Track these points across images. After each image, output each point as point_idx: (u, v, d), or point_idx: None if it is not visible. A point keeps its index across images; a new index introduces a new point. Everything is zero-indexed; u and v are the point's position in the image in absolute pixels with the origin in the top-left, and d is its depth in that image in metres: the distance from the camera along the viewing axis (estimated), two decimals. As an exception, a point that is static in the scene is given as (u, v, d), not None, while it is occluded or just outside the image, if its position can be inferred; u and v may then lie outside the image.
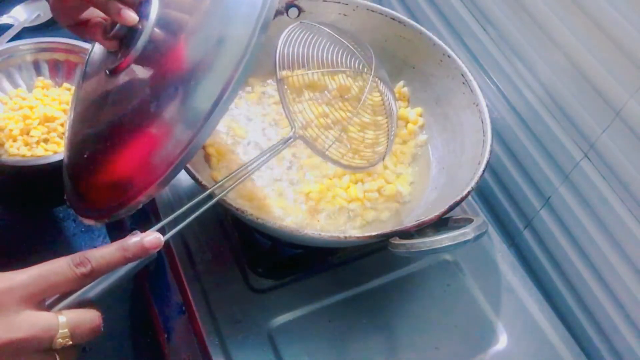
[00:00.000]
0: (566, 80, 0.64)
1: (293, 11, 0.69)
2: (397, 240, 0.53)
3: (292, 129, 0.57)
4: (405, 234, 0.54)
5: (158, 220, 0.47)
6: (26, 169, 0.72)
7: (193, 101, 0.48)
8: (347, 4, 0.71)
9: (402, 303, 0.62)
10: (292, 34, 0.59)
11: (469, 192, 0.57)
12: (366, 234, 0.54)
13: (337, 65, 0.59)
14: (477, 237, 0.51)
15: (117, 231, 0.76)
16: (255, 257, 0.63)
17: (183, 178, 0.64)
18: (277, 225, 0.53)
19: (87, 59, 0.62)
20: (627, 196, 0.59)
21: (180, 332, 0.64)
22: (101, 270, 0.43)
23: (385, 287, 0.63)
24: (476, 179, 0.58)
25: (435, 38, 0.69)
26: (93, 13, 0.57)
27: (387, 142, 0.61)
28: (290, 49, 0.58)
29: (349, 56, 0.60)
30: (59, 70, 0.83)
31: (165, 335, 0.68)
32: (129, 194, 0.49)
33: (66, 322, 0.41)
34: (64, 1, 0.55)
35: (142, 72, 0.53)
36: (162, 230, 0.46)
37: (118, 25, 0.54)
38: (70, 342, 0.41)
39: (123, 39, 0.55)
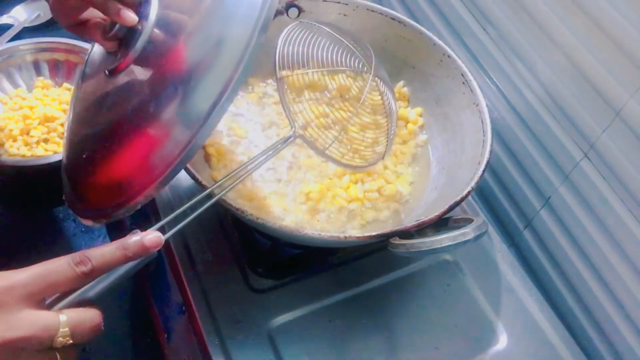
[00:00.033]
0: (566, 80, 0.64)
1: (293, 11, 0.69)
2: (397, 240, 0.53)
3: (292, 128, 0.57)
4: (405, 234, 0.54)
5: (158, 219, 0.47)
6: (26, 169, 0.72)
7: (192, 102, 0.48)
8: (347, 4, 0.71)
9: (402, 303, 0.62)
10: (292, 33, 0.59)
11: (469, 192, 0.57)
12: (366, 234, 0.54)
13: (336, 65, 0.59)
14: (477, 237, 0.51)
15: (117, 231, 0.76)
16: (255, 257, 0.63)
17: (183, 178, 0.64)
18: (277, 225, 0.53)
19: (87, 59, 0.62)
20: (627, 196, 0.59)
21: (180, 332, 0.64)
22: (101, 269, 0.43)
23: (385, 287, 0.63)
24: (476, 179, 0.58)
25: (435, 38, 0.69)
26: (93, 13, 0.57)
27: (387, 141, 0.61)
28: (290, 48, 0.58)
29: (349, 55, 0.60)
30: (59, 70, 0.83)
31: (165, 335, 0.68)
32: (127, 195, 0.49)
33: (66, 321, 0.41)
34: (64, 1, 0.55)
35: (141, 73, 0.53)
36: (162, 230, 0.46)
37: (117, 26, 0.54)
38: (71, 341, 0.41)
39: (122, 39, 0.55)
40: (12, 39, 0.87)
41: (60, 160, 0.60)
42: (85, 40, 0.73)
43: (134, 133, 0.51)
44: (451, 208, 0.55)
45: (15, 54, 0.82)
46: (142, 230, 0.45)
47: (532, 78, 0.68)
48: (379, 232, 0.54)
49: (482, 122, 0.63)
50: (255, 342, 0.57)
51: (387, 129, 0.61)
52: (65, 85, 0.82)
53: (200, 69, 0.49)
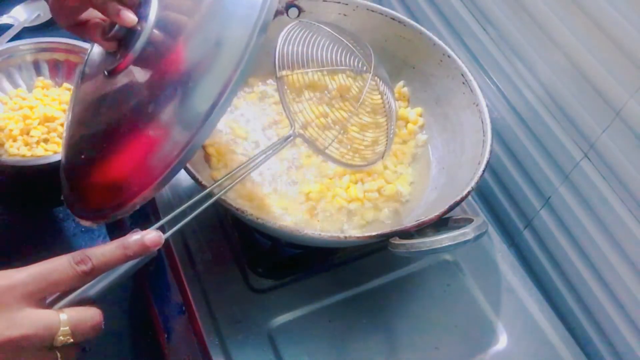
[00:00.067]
0: (566, 80, 0.64)
1: (293, 11, 0.69)
2: (397, 240, 0.53)
3: (291, 127, 0.57)
4: (405, 234, 0.54)
5: (158, 219, 0.47)
6: (26, 169, 0.72)
7: (191, 103, 0.48)
8: (347, 4, 0.71)
9: (402, 303, 0.62)
10: (292, 33, 0.59)
11: (469, 192, 0.57)
12: (366, 234, 0.54)
13: (336, 64, 0.59)
14: (477, 237, 0.51)
15: (117, 231, 0.76)
16: (255, 257, 0.63)
17: (183, 178, 0.64)
18: (277, 225, 0.53)
19: (86, 59, 0.62)
20: (627, 196, 0.59)
21: (180, 332, 0.64)
22: (102, 268, 0.43)
23: (385, 287, 0.63)
24: (476, 179, 0.58)
25: (435, 38, 0.69)
26: (92, 14, 0.57)
27: (387, 141, 0.61)
28: (290, 47, 0.58)
29: (349, 55, 0.60)
30: (59, 70, 0.83)
31: (165, 335, 0.68)
32: (125, 196, 0.49)
33: (67, 319, 0.41)
34: (63, 2, 0.55)
35: (140, 74, 0.53)
36: (162, 229, 0.46)
37: (117, 26, 0.54)
38: (71, 340, 0.42)
39: (122, 40, 0.55)
40: (12, 39, 0.87)
41: (60, 160, 0.60)
42: (85, 40, 0.73)
43: (132, 134, 0.51)
44: (451, 208, 0.55)
45: (15, 54, 0.82)
46: (142, 230, 0.45)
47: (532, 78, 0.68)
48: (379, 232, 0.54)
49: (482, 122, 0.63)
50: (255, 342, 0.57)
51: (387, 129, 0.61)
52: (65, 85, 0.82)
53: (199, 70, 0.49)
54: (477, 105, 0.64)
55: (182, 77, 0.50)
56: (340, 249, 0.65)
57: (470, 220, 0.53)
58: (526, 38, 0.68)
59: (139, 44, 0.53)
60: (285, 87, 0.58)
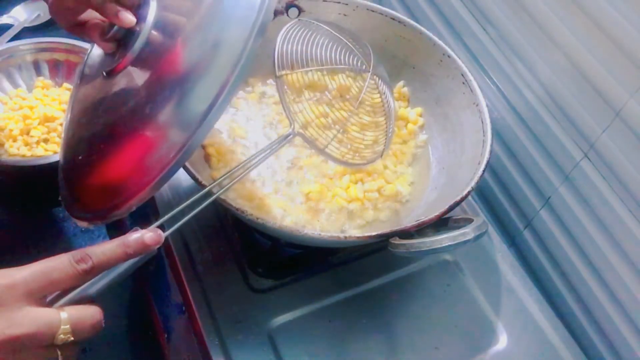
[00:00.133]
0: (566, 80, 0.64)
1: (293, 11, 0.69)
2: (397, 240, 0.53)
3: (291, 126, 0.57)
4: (405, 234, 0.54)
5: (158, 219, 0.47)
6: (26, 169, 0.72)
7: (188, 104, 0.48)
8: (347, 4, 0.71)
9: (402, 303, 0.62)
10: (291, 32, 0.59)
11: (469, 192, 0.57)
12: (366, 234, 0.54)
13: (336, 63, 0.59)
14: (477, 237, 0.51)
15: (116, 230, 0.76)
16: (255, 257, 0.63)
17: (183, 178, 0.64)
18: (277, 225, 0.53)
19: (85, 60, 0.62)
20: (627, 196, 0.59)
21: (180, 332, 0.64)
22: (102, 266, 0.43)
23: (385, 287, 0.63)
24: (476, 179, 0.58)
25: (435, 38, 0.69)
26: (91, 14, 0.57)
27: (386, 140, 0.61)
28: (289, 46, 0.58)
29: (348, 54, 0.60)
30: (59, 70, 0.83)
31: (165, 335, 0.68)
32: (122, 197, 0.49)
33: (67, 318, 0.42)
34: (63, 3, 0.56)
35: (138, 74, 0.53)
36: (162, 228, 0.46)
37: (115, 27, 0.54)
38: (72, 338, 0.42)
39: (120, 40, 0.55)
40: (12, 39, 0.88)
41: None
42: (85, 40, 0.73)
43: (129, 135, 0.51)
44: (451, 208, 0.55)
45: (15, 54, 0.82)
46: (142, 229, 0.45)
47: (532, 78, 0.68)
48: (379, 232, 0.54)
49: (482, 122, 0.63)
50: (255, 342, 0.57)
51: (386, 128, 0.61)
52: (65, 85, 0.82)
53: (197, 71, 0.49)
54: (477, 105, 0.64)
55: (180, 78, 0.50)
56: (340, 249, 0.65)
57: (470, 220, 0.53)
58: (526, 38, 0.68)
59: (138, 45, 0.53)
60: (285, 87, 0.58)
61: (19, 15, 0.94)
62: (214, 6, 0.52)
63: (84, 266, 0.42)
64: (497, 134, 0.73)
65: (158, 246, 0.45)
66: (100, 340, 0.72)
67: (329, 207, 0.62)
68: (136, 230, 0.45)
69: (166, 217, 0.48)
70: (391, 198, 0.65)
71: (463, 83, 0.66)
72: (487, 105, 0.64)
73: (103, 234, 0.80)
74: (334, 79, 0.68)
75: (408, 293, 0.63)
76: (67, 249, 0.43)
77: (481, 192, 0.79)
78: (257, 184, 0.63)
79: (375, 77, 0.60)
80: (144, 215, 0.65)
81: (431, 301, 0.63)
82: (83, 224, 0.53)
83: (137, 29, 0.53)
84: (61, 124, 0.77)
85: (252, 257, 0.63)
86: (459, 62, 0.67)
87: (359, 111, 0.60)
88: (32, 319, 0.40)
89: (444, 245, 0.50)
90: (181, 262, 0.62)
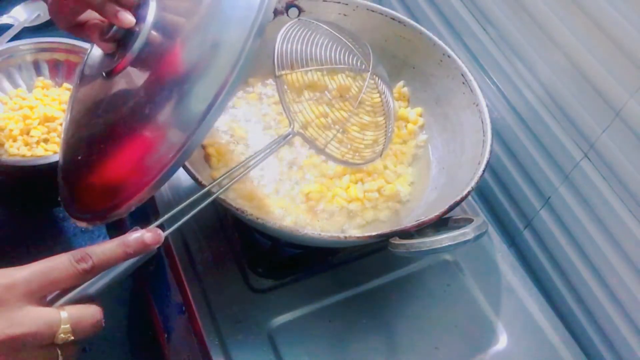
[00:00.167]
0: (566, 80, 0.64)
1: (293, 11, 0.69)
2: (397, 240, 0.53)
3: (290, 125, 0.57)
4: (405, 234, 0.54)
5: (157, 219, 0.47)
6: (26, 169, 0.72)
7: (187, 104, 0.48)
8: (347, 4, 0.71)
9: (402, 303, 0.62)
10: (291, 31, 0.59)
11: (469, 192, 0.57)
12: (366, 234, 0.54)
13: (335, 63, 0.59)
14: (477, 237, 0.51)
15: (116, 230, 0.76)
16: (255, 257, 0.63)
17: (183, 178, 0.64)
18: (277, 225, 0.53)
19: (85, 60, 0.62)
20: (627, 196, 0.59)
21: (180, 332, 0.64)
22: (102, 266, 0.43)
23: (385, 287, 0.63)
24: (476, 179, 0.58)
25: (435, 38, 0.69)
26: (91, 15, 0.57)
27: (385, 139, 0.61)
28: (289, 46, 0.58)
29: (347, 53, 0.60)
30: (59, 70, 0.83)
31: (165, 335, 0.68)
32: (121, 197, 0.49)
33: (68, 317, 0.42)
34: (62, 3, 0.56)
35: (137, 75, 0.53)
36: (162, 228, 0.46)
37: (115, 28, 0.54)
38: (72, 338, 0.42)
39: (120, 41, 0.55)
40: (12, 39, 0.87)
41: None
42: (85, 40, 0.73)
43: (128, 135, 0.51)
44: (451, 208, 0.55)
45: (15, 54, 0.82)
46: (142, 229, 0.46)
47: (532, 78, 0.68)
48: (379, 232, 0.54)
49: (482, 122, 0.63)
50: (255, 342, 0.57)
51: (385, 128, 0.61)
52: (65, 85, 0.82)
53: (196, 72, 0.49)
54: (477, 105, 0.64)
55: (179, 78, 0.50)
56: (340, 249, 0.65)
57: (470, 220, 0.53)
58: (526, 38, 0.68)
59: (137, 45, 0.53)
60: (285, 87, 0.58)
61: (19, 15, 0.94)
62: (213, 6, 0.52)
63: (84, 266, 0.42)
64: (497, 134, 0.73)
65: (158, 246, 0.45)
66: (100, 340, 0.72)
67: (329, 207, 0.62)
68: (136, 229, 0.45)
69: (166, 216, 0.48)
70: (391, 198, 0.65)
71: (463, 83, 0.66)
72: (487, 105, 0.64)
73: (103, 233, 0.80)
74: (334, 78, 0.68)
75: (408, 293, 0.63)
76: (67, 249, 0.43)
77: (481, 192, 0.79)
78: (257, 184, 0.64)
79: (374, 76, 0.60)
80: (144, 215, 0.65)
81: (431, 301, 0.63)
82: (82, 224, 0.53)
83: (137, 29, 0.54)
84: (61, 124, 0.77)
85: (252, 257, 0.63)
86: (459, 62, 0.67)
87: (358, 111, 0.60)
88: (32, 318, 0.41)
89: (444, 245, 0.50)
90: (181, 262, 0.62)
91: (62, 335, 0.41)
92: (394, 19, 0.70)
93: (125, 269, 0.45)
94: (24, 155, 0.74)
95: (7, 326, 0.40)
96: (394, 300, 0.62)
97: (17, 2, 0.95)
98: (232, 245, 0.64)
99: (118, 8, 0.53)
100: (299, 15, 0.68)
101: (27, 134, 0.76)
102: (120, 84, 0.54)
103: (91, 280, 0.43)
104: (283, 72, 0.57)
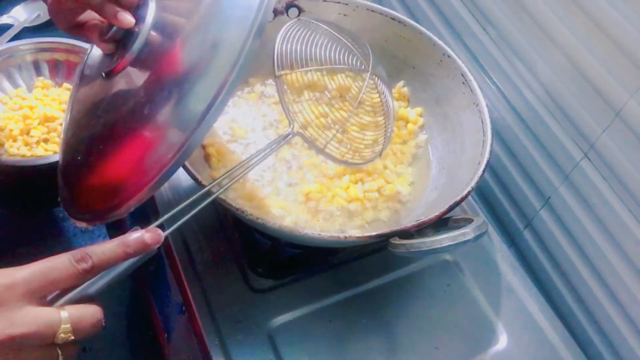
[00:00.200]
0: (566, 80, 0.64)
1: (293, 11, 0.69)
2: (397, 240, 0.53)
3: (290, 125, 0.57)
4: (405, 234, 0.54)
5: (157, 219, 0.47)
6: (26, 169, 0.72)
7: (186, 104, 0.48)
8: (347, 4, 0.71)
9: (402, 303, 0.62)
10: (290, 31, 0.59)
11: (469, 192, 0.57)
12: (366, 234, 0.54)
13: (335, 63, 0.59)
14: (477, 237, 0.51)
15: (116, 230, 0.76)
16: (255, 257, 0.63)
17: (183, 178, 0.64)
18: (277, 225, 0.53)
19: (85, 60, 0.62)
20: (627, 196, 0.59)
21: (180, 332, 0.64)
22: (102, 266, 0.43)
23: (385, 287, 0.63)
24: (476, 179, 0.58)
25: (435, 38, 0.69)
26: (90, 15, 0.57)
27: (385, 139, 0.61)
28: (289, 46, 0.58)
29: (347, 53, 0.60)
30: (59, 70, 0.83)
31: (165, 335, 0.68)
32: (121, 197, 0.49)
33: (68, 317, 0.42)
34: (61, 4, 0.56)
35: (137, 75, 0.53)
36: (162, 227, 0.47)
37: (114, 28, 0.54)
38: (72, 337, 0.42)
39: (119, 41, 0.55)
40: (12, 39, 0.87)
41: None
42: (85, 40, 0.73)
43: (128, 135, 0.51)
44: (451, 208, 0.55)
45: (15, 54, 0.82)
46: (142, 228, 0.46)
47: (532, 78, 0.68)
48: (379, 232, 0.54)
49: (482, 122, 0.63)
50: (255, 342, 0.57)
51: (385, 128, 0.61)
52: (65, 85, 0.82)
53: (195, 72, 0.49)
54: (477, 105, 0.64)
55: (179, 78, 0.50)
56: (340, 249, 0.65)
57: (470, 220, 0.53)
58: (526, 38, 0.68)
59: (137, 46, 0.53)
60: (285, 87, 0.58)
61: (19, 15, 0.94)
62: (212, 6, 0.52)
63: (84, 265, 0.43)
64: (497, 134, 0.73)
65: (158, 245, 0.45)
66: (100, 340, 0.72)
67: (329, 207, 0.62)
68: (136, 229, 0.45)
69: (166, 216, 0.48)
70: (391, 198, 0.65)
71: (463, 83, 0.66)
72: (487, 105, 0.64)
73: (103, 233, 0.80)
74: (334, 79, 0.68)
75: (408, 293, 0.63)
76: (67, 249, 0.43)
77: (481, 192, 0.79)
78: (257, 184, 0.64)
79: (374, 77, 0.60)
80: (144, 215, 0.65)
81: (431, 301, 0.63)
82: (82, 225, 0.53)
83: (136, 29, 0.53)
84: (61, 124, 0.77)
85: (252, 257, 0.63)
86: (459, 62, 0.67)
87: (358, 111, 0.60)
88: (32, 318, 0.41)
89: (444, 245, 0.50)
90: (181, 262, 0.62)
91: (62, 335, 0.41)
92: (394, 19, 0.70)
93: (125, 269, 0.45)
94: (24, 155, 0.74)
95: (7, 326, 0.40)
96: (394, 300, 0.62)
97: (17, 2, 0.95)
98: (232, 245, 0.64)
99: (117, 8, 0.53)
100: (299, 15, 0.69)
101: (27, 134, 0.76)
102: (119, 84, 0.54)
103: (91, 280, 0.43)
104: (283, 72, 0.57)
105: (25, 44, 0.82)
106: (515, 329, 0.62)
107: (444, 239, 0.50)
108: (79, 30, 0.57)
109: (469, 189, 0.57)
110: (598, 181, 0.62)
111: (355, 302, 0.61)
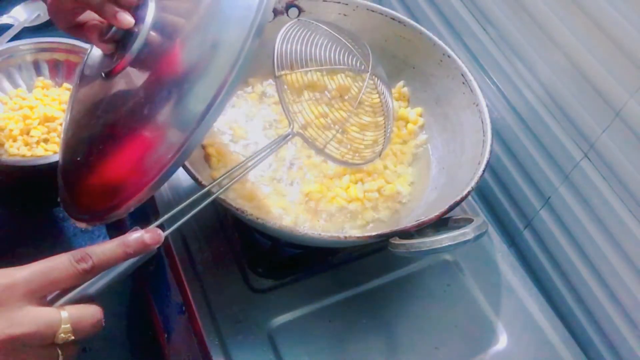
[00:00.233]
0: (566, 80, 0.64)
1: (293, 11, 0.69)
2: (397, 240, 0.53)
3: (290, 125, 0.57)
4: (405, 234, 0.54)
5: (157, 219, 0.47)
6: (26, 169, 0.72)
7: (186, 105, 0.48)
8: (347, 4, 0.71)
9: (402, 303, 0.62)
10: (290, 32, 0.59)
11: (469, 192, 0.57)
12: (366, 234, 0.54)
13: (335, 63, 0.59)
14: (477, 237, 0.51)
15: (116, 230, 0.76)
16: (255, 257, 0.63)
17: (183, 178, 0.64)
18: (277, 225, 0.53)
19: (84, 61, 0.62)
20: (627, 196, 0.59)
21: (180, 332, 0.64)
22: (102, 266, 0.44)
23: (385, 287, 0.63)
24: (476, 179, 0.58)
25: (435, 38, 0.69)
26: (90, 15, 0.57)
27: (384, 139, 0.61)
28: (289, 46, 0.58)
29: (347, 54, 0.60)
30: (59, 70, 0.83)
31: (165, 335, 0.68)
32: (121, 197, 0.49)
33: (68, 317, 0.42)
34: (61, 4, 0.56)
35: (136, 75, 0.53)
36: (162, 228, 0.47)
37: (114, 28, 0.54)
38: (72, 337, 0.42)
39: (119, 41, 0.55)
40: (12, 39, 0.87)
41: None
42: (85, 40, 0.73)
43: (128, 135, 0.51)
44: (451, 208, 0.55)
45: (15, 54, 0.82)
46: (142, 229, 0.46)
47: (532, 78, 0.68)
48: (379, 232, 0.54)
49: (482, 122, 0.63)
50: (255, 342, 0.57)
51: (385, 128, 0.61)
52: (65, 85, 0.82)
53: (195, 72, 0.49)
54: (477, 105, 0.64)
55: (178, 79, 0.50)
56: (340, 249, 0.65)
57: (470, 220, 0.53)
58: (526, 38, 0.68)
59: (136, 46, 0.53)
60: (285, 87, 0.58)
61: (19, 15, 0.94)
62: (212, 7, 0.52)
63: (84, 266, 0.43)
64: (497, 134, 0.73)
65: (158, 246, 0.46)
66: (100, 340, 0.72)
67: (329, 207, 0.62)
68: (136, 229, 0.45)
69: (166, 216, 0.48)
70: (391, 198, 0.65)
71: (463, 83, 0.66)
72: (487, 105, 0.64)
73: (103, 234, 0.80)
74: (334, 79, 0.68)
75: (408, 293, 0.63)
76: (67, 249, 0.43)
77: (481, 192, 0.79)
78: (257, 184, 0.64)
79: (374, 77, 0.60)
80: (144, 215, 0.65)
81: (431, 301, 0.63)
82: (82, 225, 0.54)
83: (136, 30, 0.53)
84: (61, 124, 0.77)
85: (252, 257, 0.63)
86: (459, 62, 0.67)
87: (358, 111, 0.60)
88: (32, 318, 0.41)
89: (444, 245, 0.50)
90: (181, 262, 0.62)
91: (62, 335, 0.41)
92: (394, 19, 0.70)
93: (125, 269, 0.45)
94: (24, 155, 0.74)
95: (7, 326, 0.40)
96: (394, 300, 0.62)
97: (17, 2, 0.95)
98: (232, 245, 0.64)
99: (117, 9, 0.53)
100: (298, 16, 0.69)
101: (27, 134, 0.76)
102: (119, 84, 0.54)
103: (91, 280, 0.44)
104: (283, 73, 0.57)
105: (25, 44, 0.82)
106: (515, 329, 0.62)
107: (444, 239, 0.50)
108: (78, 30, 0.57)
109: (469, 189, 0.57)
110: (598, 181, 0.62)
111: (355, 302, 0.61)
